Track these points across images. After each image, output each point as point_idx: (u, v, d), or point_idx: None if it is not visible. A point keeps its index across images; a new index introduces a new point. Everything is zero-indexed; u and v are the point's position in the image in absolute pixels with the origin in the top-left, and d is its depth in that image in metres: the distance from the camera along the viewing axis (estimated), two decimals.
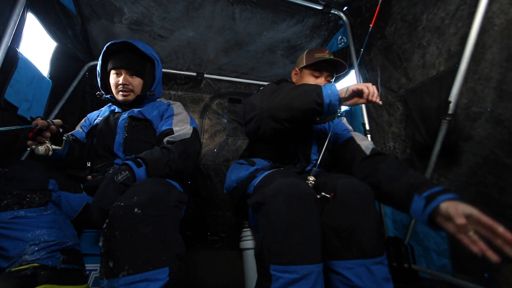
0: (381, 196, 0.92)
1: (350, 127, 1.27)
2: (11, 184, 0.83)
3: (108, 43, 1.22)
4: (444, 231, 0.74)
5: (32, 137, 0.92)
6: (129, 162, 0.89)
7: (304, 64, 1.25)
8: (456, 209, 0.69)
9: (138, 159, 0.92)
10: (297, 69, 1.33)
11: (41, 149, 0.93)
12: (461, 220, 0.66)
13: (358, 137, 1.15)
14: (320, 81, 1.23)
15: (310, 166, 1.18)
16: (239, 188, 1.07)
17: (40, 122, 0.90)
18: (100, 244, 0.69)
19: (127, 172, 0.86)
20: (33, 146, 0.93)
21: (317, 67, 1.23)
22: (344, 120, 1.33)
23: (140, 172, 0.89)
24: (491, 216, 0.93)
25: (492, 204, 0.93)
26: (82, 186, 1.06)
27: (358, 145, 1.09)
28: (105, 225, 0.70)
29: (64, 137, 1.02)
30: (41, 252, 0.78)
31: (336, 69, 1.25)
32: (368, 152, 1.04)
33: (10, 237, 0.78)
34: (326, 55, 1.22)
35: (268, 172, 1.00)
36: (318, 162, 1.08)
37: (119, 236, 0.67)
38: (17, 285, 0.70)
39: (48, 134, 0.94)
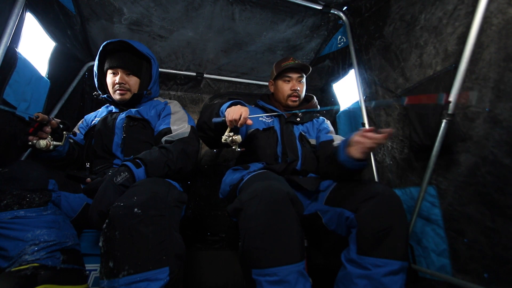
0: (331, 173, 1.12)
1: (331, 129, 1.42)
2: (11, 184, 0.82)
3: (104, 43, 1.22)
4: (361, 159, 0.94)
5: (33, 132, 0.93)
6: (128, 163, 0.89)
7: (275, 75, 1.42)
8: (357, 135, 0.92)
9: (137, 160, 0.91)
10: (271, 81, 1.48)
11: (42, 143, 0.93)
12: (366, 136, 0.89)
13: (336, 140, 1.30)
14: (292, 84, 1.38)
15: (300, 161, 1.26)
16: (232, 192, 1.10)
17: (40, 114, 0.91)
18: (100, 244, 0.69)
19: (126, 173, 0.86)
20: (34, 141, 0.93)
21: (286, 74, 1.39)
22: (327, 121, 1.48)
23: (139, 172, 0.89)
24: (490, 216, 0.94)
25: (491, 204, 0.94)
26: (82, 186, 1.05)
27: (332, 142, 1.26)
28: (105, 225, 0.70)
29: (64, 133, 1.02)
30: (41, 252, 0.78)
31: (303, 71, 1.41)
32: (336, 144, 1.19)
33: (10, 237, 0.78)
34: (290, 62, 1.39)
35: (252, 174, 1.04)
36: (301, 155, 1.27)
37: (119, 236, 0.67)
38: (17, 285, 0.70)
39: (48, 129, 0.95)
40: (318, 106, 1.50)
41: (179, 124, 1.18)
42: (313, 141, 1.36)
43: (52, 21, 1.35)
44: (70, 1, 1.41)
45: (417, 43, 1.24)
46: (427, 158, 1.14)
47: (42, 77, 1.33)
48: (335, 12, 1.66)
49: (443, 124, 1.07)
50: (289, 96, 1.39)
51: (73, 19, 1.48)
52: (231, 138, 1.01)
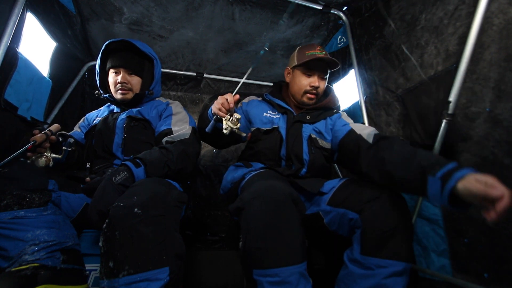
0: (395, 185, 0.88)
1: (350, 121, 1.22)
2: (10, 184, 0.83)
3: (107, 42, 1.22)
4: (467, 208, 0.70)
5: (32, 149, 0.91)
6: (128, 163, 0.88)
7: (296, 64, 1.22)
8: (477, 187, 0.63)
9: (137, 160, 0.91)
10: (289, 68, 1.29)
11: (41, 161, 0.92)
12: (495, 192, 0.60)
13: (358, 127, 1.11)
14: (313, 79, 1.20)
15: (305, 169, 1.19)
16: (233, 189, 1.09)
17: (38, 138, 0.90)
18: (100, 244, 0.69)
19: (126, 173, 0.85)
20: (34, 157, 0.92)
21: (308, 66, 1.20)
22: (344, 115, 1.28)
23: (139, 172, 0.89)
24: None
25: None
26: (82, 186, 1.05)
27: (360, 135, 1.06)
28: (105, 225, 0.70)
29: (63, 148, 1.02)
30: (41, 252, 0.78)
31: (329, 66, 1.23)
32: (371, 140, 1.01)
33: (10, 237, 0.78)
34: (317, 52, 1.18)
35: (254, 173, 1.02)
36: (308, 163, 1.16)
37: (119, 236, 0.67)
38: (17, 285, 0.70)
39: (47, 144, 0.94)
40: (337, 101, 1.31)
41: (181, 125, 1.17)
42: (326, 144, 1.21)
43: (53, 21, 1.35)
44: (70, 1, 1.41)
45: (418, 43, 1.24)
46: None
47: (44, 77, 1.33)
48: (335, 12, 1.66)
49: (443, 124, 1.07)
50: (307, 92, 1.21)
51: (73, 19, 1.49)
52: (231, 119, 0.96)
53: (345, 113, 1.30)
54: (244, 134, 1.00)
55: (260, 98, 1.36)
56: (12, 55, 1.07)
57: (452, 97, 1.05)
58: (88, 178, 1.05)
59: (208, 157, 2.12)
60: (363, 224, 0.86)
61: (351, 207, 0.92)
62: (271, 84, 2.24)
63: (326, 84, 1.27)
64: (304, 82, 1.21)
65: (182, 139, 1.09)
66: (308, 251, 0.82)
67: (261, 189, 0.81)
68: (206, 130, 1.03)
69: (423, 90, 1.20)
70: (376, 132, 1.05)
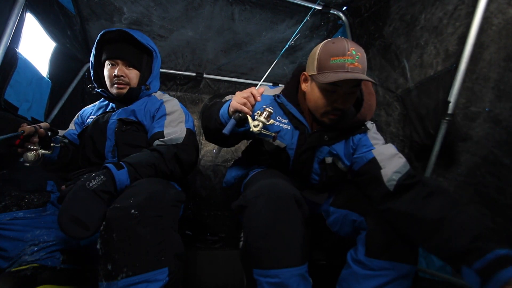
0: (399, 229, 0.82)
1: (377, 141, 0.96)
2: (9, 185, 0.83)
3: (102, 31, 1.12)
4: None
5: (20, 144, 0.88)
6: (109, 165, 0.82)
7: (316, 72, 0.89)
8: None
9: (121, 162, 0.86)
10: (306, 74, 0.96)
11: (30, 155, 0.88)
12: None
13: (382, 156, 0.89)
14: (337, 98, 0.89)
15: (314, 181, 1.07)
16: (236, 185, 1.08)
17: (26, 128, 0.87)
18: (98, 246, 0.68)
19: (103, 177, 0.78)
20: (22, 152, 0.89)
21: (333, 81, 0.85)
22: (371, 132, 0.99)
23: (121, 175, 0.81)
24: (490, 216, 0.94)
25: (491, 204, 0.94)
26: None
27: (379, 174, 0.87)
28: (102, 227, 0.69)
29: (52, 144, 0.99)
30: (41, 253, 0.78)
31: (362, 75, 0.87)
32: (392, 185, 0.83)
33: (9, 238, 0.78)
34: (347, 58, 0.84)
35: (258, 171, 1.00)
36: (317, 182, 1.05)
37: (117, 238, 0.66)
38: (17, 285, 0.71)
39: (36, 139, 0.90)
40: (371, 114, 0.97)
41: (174, 126, 1.07)
42: (343, 168, 1.02)
43: (52, 22, 1.35)
44: (69, 1, 1.41)
45: (417, 43, 1.24)
46: (427, 158, 1.14)
47: (43, 77, 1.33)
48: (335, 12, 1.66)
49: (443, 124, 1.07)
50: (327, 113, 0.92)
51: (72, 19, 1.49)
52: (263, 113, 0.83)
53: (374, 125, 1.02)
54: (273, 134, 0.87)
55: (272, 96, 1.07)
56: (11, 55, 1.07)
57: (451, 97, 1.05)
58: (63, 186, 0.94)
59: (208, 157, 2.12)
60: (368, 226, 0.85)
61: (355, 208, 0.91)
62: (271, 84, 2.23)
63: (355, 97, 0.93)
64: (324, 102, 0.90)
65: (175, 144, 1.00)
66: (309, 251, 0.81)
67: (264, 188, 0.80)
68: (225, 132, 0.83)
69: (423, 90, 1.20)
70: (402, 174, 0.84)
